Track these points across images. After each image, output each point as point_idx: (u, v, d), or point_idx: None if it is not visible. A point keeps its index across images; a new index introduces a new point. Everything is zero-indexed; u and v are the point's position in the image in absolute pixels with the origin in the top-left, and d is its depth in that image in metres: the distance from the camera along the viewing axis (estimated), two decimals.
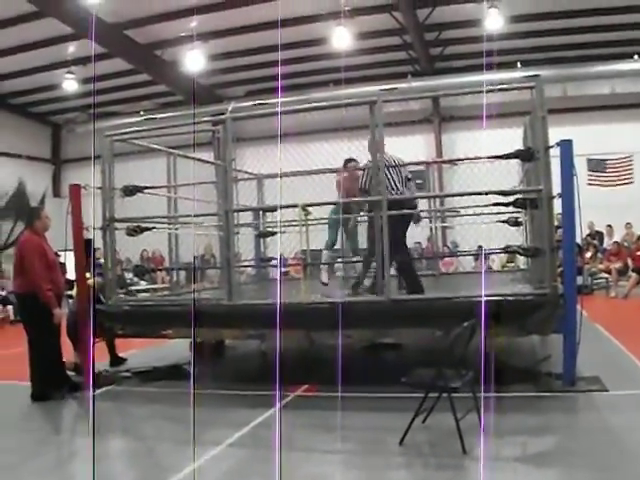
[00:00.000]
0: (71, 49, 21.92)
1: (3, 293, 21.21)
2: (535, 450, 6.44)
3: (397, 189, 10.04)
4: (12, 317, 20.18)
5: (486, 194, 9.85)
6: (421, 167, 17.52)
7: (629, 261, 20.12)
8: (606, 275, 20.46)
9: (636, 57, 22.78)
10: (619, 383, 8.38)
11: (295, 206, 10.09)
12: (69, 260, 10.23)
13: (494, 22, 20.33)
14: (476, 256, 18.28)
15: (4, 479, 6.22)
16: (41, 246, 9.43)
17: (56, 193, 30.18)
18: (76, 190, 10.58)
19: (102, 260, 11.01)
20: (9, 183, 26.80)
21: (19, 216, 25.82)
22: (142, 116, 26.24)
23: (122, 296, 11.16)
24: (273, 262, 13.50)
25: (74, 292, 10.85)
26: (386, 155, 9.67)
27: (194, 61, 22.52)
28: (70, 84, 24.04)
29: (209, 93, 26.60)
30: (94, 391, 9.35)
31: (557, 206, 8.58)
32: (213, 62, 23.45)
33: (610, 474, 5.55)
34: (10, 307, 20.49)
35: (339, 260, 13.38)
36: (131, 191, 10.80)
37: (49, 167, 31.35)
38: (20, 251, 9.44)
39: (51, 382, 9.39)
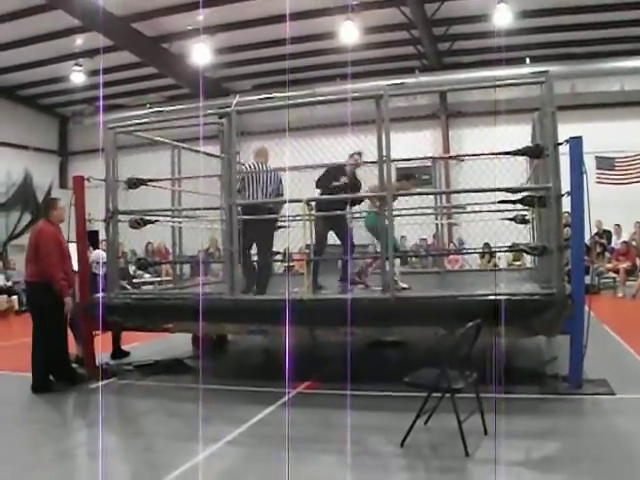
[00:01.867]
0: (79, 41, 21.94)
1: (9, 283, 21.18)
2: (540, 454, 6.33)
3: (255, 196, 10.72)
4: (17, 307, 20.17)
5: (493, 191, 9.74)
6: (428, 163, 17.44)
7: (637, 261, 19.96)
8: (614, 275, 20.31)
9: None
10: (626, 386, 8.29)
11: (299, 201, 10.00)
12: (73, 251, 10.16)
13: (503, 17, 20.24)
14: (482, 254, 18.15)
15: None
16: (57, 236, 9.56)
17: (62, 185, 30.09)
18: (79, 182, 10.55)
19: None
20: (16, 174, 26.86)
21: (25, 207, 25.98)
22: (149, 109, 26.16)
23: (124, 288, 11.10)
24: (278, 257, 13.38)
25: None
26: (247, 163, 10.92)
27: (201, 54, 22.46)
28: (78, 76, 24.10)
29: (216, 86, 26.52)
30: (98, 384, 9.26)
31: (565, 204, 8.46)
32: (220, 55, 23.41)
33: None
34: (15, 297, 20.47)
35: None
36: (135, 183, 10.76)
37: (56, 159, 31.31)
38: (36, 240, 9.45)
39: (55, 373, 9.42)
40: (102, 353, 10.53)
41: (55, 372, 9.42)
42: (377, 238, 11.00)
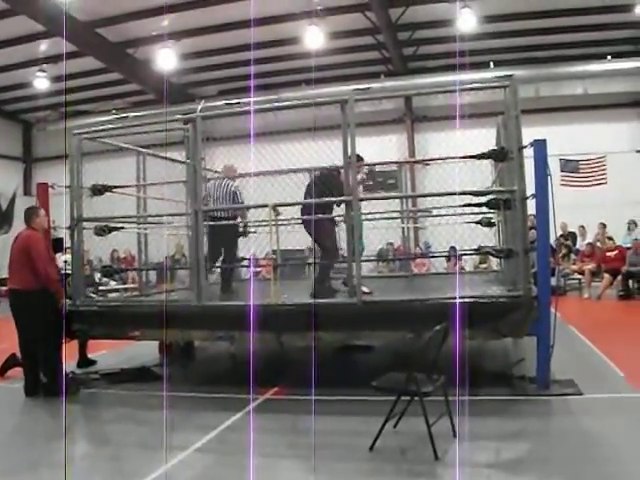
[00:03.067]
0: (43, 47, 21.80)
1: None
2: (509, 456, 6.35)
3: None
4: None
5: (459, 194, 9.78)
6: (393, 167, 17.48)
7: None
8: (579, 276, 20.47)
9: (609, 58, 22.90)
10: (593, 386, 8.33)
11: (265, 206, 9.97)
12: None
13: (467, 22, 20.42)
14: (449, 257, 18.21)
15: None
16: (43, 241, 9.54)
17: (27, 192, 29.94)
18: (44, 189, 10.48)
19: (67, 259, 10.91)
20: None
21: None
22: (114, 115, 26.02)
23: (89, 297, 10.99)
24: (244, 262, 13.32)
25: None
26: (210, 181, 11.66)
27: (166, 60, 22.47)
28: (42, 82, 24.01)
29: (181, 92, 26.50)
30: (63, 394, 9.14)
31: (530, 207, 8.51)
32: (185, 61, 23.42)
33: None
34: None
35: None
36: (99, 190, 10.67)
37: (20, 166, 31.16)
38: (26, 246, 9.35)
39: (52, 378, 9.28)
40: (68, 362, 10.43)
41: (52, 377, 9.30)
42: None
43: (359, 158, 10.36)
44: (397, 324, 8.58)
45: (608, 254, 19.71)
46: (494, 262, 15.45)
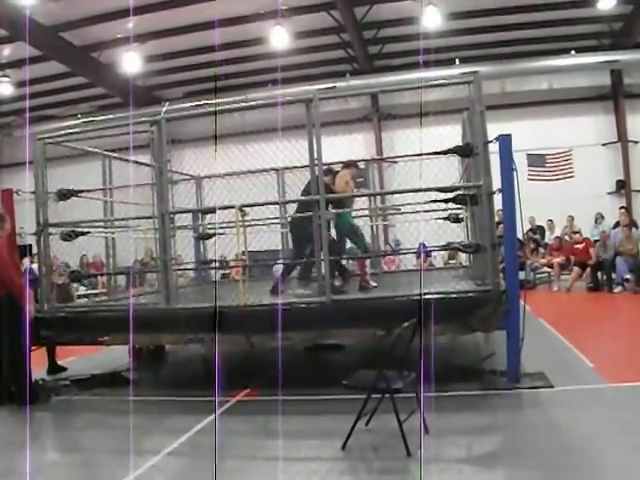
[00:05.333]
0: (6, 52, 21.61)
1: None
2: (481, 450, 6.37)
3: None
4: None
5: (426, 191, 9.81)
6: (361, 165, 17.48)
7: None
8: (548, 269, 20.60)
9: (573, 52, 23.05)
10: (564, 378, 8.37)
11: (232, 207, 9.93)
12: None
13: (432, 19, 20.44)
14: (418, 254, 18.25)
15: None
16: (8, 247, 9.38)
17: None
18: (8, 195, 10.37)
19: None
20: None
21: None
22: (79, 119, 25.85)
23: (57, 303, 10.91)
24: (213, 264, 13.31)
25: None
26: None
27: (131, 62, 22.36)
28: (5, 87, 23.73)
29: (147, 95, 26.32)
30: (30, 402, 9.04)
31: (498, 202, 8.54)
32: (150, 63, 23.29)
33: (556, 472, 5.48)
34: None
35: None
36: (65, 195, 10.57)
37: None
38: None
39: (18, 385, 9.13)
40: (38, 369, 10.34)
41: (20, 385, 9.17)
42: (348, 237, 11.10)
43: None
44: (367, 322, 8.57)
45: (576, 247, 19.84)
46: (463, 257, 15.52)
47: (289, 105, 10.51)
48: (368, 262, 12.29)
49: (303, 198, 9.71)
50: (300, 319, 8.70)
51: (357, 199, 12.73)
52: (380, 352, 6.77)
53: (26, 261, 11.59)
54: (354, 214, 12.70)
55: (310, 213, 9.14)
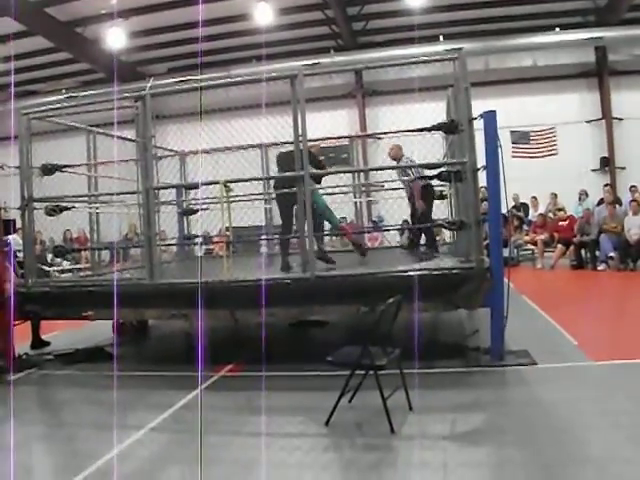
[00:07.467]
0: None
1: None
2: (465, 427, 6.36)
3: None
4: None
5: (410, 167, 9.78)
6: (345, 142, 17.45)
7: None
8: (532, 247, 20.63)
9: (557, 29, 23.03)
10: (547, 356, 8.40)
11: (216, 183, 9.89)
12: None
13: None
14: (401, 230, 18.24)
15: None
16: None
17: None
18: None
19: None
20: None
21: None
22: (64, 94, 25.70)
23: (42, 278, 10.88)
24: (196, 240, 13.29)
25: None
26: None
27: (115, 38, 22.27)
28: None
29: (131, 70, 26.20)
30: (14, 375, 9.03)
31: (482, 179, 8.53)
32: (135, 39, 23.18)
33: (539, 450, 5.49)
34: None
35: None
36: (50, 170, 10.51)
37: None
38: None
39: None
40: (22, 343, 10.32)
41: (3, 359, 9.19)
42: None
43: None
44: (351, 298, 8.56)
45: (560, 224, 19.88)
46: (447, 234, 15.52)
47: (273, 81, 10.46)
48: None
49: (289, 174, 9.64)
50: (284, 295, 8.68)
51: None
52: (364, 328, 6.76)
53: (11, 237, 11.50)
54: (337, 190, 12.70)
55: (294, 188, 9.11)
